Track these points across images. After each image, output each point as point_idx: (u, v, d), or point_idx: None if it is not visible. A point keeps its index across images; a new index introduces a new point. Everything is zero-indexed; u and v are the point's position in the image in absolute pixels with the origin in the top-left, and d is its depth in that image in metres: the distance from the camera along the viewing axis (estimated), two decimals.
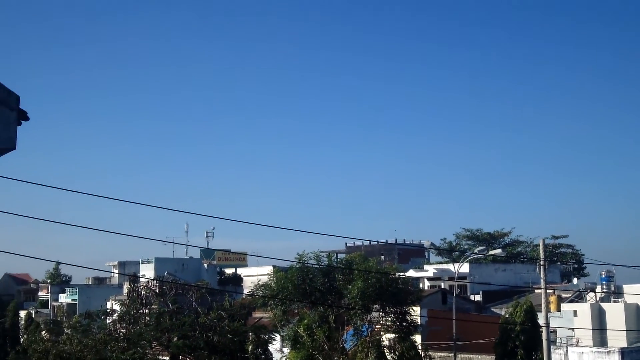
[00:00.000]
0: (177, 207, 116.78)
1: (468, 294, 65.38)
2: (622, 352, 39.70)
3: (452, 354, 41.14)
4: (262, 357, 46.02)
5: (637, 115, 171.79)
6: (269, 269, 57.62)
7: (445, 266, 73.05)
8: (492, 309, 57.62)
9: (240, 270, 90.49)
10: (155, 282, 67.40)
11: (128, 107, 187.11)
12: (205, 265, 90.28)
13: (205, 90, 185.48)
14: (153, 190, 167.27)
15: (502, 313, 43.24)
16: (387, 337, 42.20)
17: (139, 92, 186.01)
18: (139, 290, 64.59)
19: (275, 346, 47.85)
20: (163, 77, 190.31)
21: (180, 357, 47.70)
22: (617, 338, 44.11)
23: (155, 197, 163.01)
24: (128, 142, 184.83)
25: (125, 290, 75.81)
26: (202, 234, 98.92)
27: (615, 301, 49.61)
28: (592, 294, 52.62)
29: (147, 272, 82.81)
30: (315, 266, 42.95)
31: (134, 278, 72.35)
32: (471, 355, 43.91)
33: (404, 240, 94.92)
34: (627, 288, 50.17)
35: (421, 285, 67.09)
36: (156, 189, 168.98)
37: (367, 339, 40.94)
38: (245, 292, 68.89)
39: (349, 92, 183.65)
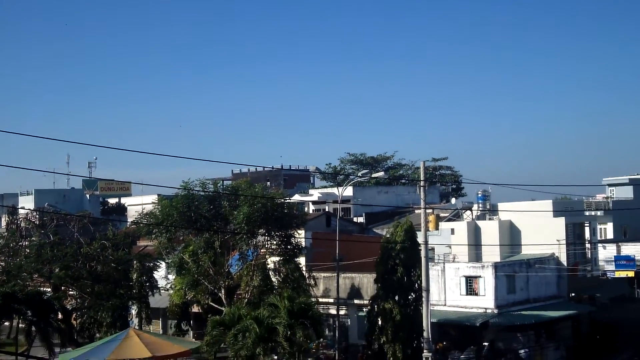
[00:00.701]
0: (59, 137, 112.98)
1: (351, 217, 66.85)
2: (495, 266, 41.73)
3: (336, 274, 42.16)
4: (147, 284, 46.02)
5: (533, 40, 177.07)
6: (153, 198, 56.87)
7: (329, 190, 74.30)
8: (375, 230, 59.23)
9: (124, 200, 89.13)
10: (35, 213, 65.78)
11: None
12: (88, 195, 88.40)
13: None
14: (34, 120, 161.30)
15: (384, 233, 44.43)
16: (272, 260, 42.82)
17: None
18: (18, 222, 62.80)
19: (160, 273, 47.84)
20: None
21: (63, 287, 47.10)
22: (492, 253, 46.31)
23: (37, 127, 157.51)
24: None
25: (3, 223, 73.56)
26: (85, 165, 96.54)
27: (490, 219, 51.78)
28: (469, 212, 54.79)
29: (26, 204, 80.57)
30: (201, 193, 42.81)
31: (13, 210, 70.27)
32: (353, 274, 45.18)
33: (290, 166, 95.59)
34: (501, 206, 52.42)
35: (306, 209, 68.11)
36: (37, 119, 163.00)
37: (253, 262, 41.48)
38: (129, 221, 68.06)
39: None
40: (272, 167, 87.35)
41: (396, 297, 36.96)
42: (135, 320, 46.80)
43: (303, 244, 45.51)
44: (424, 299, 35.99)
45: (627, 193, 77.73)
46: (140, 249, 51.86)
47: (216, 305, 42.15)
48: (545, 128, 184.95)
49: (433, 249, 45.75)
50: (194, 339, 46.61)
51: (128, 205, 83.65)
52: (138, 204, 72.01)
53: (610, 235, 70.62)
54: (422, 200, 36.75)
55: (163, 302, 48.69)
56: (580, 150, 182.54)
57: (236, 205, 41.41)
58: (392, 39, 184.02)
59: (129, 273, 46.07)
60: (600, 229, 70.08)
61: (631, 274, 55.15)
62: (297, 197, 69.22)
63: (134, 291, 45.80)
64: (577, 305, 46.93)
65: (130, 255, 47.28)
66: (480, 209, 54.48)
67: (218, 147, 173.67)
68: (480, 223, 50.37)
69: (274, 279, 42.15)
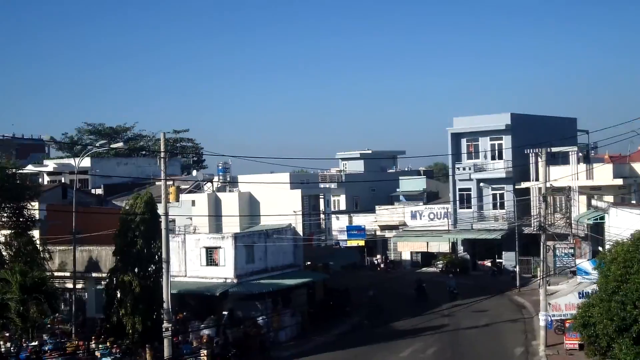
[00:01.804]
0: None
1: (89, 188, 64.71)
2: (235, 237, 42.44)
3: (72, 247, 40.71)
4: None
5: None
6: None
7: (66, 161, 71.37)
8: (114, 202, 57.76)
9: None
10: None
11: None
12: None
13: None
14: None
15: (123, 205, 43.48)
16: (2, 234, 40.46)
17: None
18: None
19: None
20: None
21: None
22: (232, 224, 47.01)
23: None
24: None
25: None
26: None
27: (230, 191, 52.52)
28: (209, 184, 55.17)
29: None
30: None
31: None
32: (91, 247, 43.91)
33: (23, 135, 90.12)
34: (241, 178, 53.40)
35: (41, 181, 65.02)
36: None
37: None
38: None
39: None
40: (3, 136, 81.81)
41: (136, 270, 36.38)
42: None
43: (37, 216, 43.43)
44: (164, 271, 35.75)
45: (358, 167, 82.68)
46: None
47: None
48: (283, 102, 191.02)
49: (174, 221, 45.56)
50: None
51: None
52: None
53: (343, 206, 74.74)
54: (162, 172, 36.32)
55: None
56: (316, 125, 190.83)
57: None
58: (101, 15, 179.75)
59: None
60: (334, 200, 73.87)
61: (362, 243, 58.83)
62: (30, 168, 65.73)
63: None
64: (312, 273, 49.14)
65: None
66: (221, 181, 55.08)
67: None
68: (220, 195, 50.91)
69: (5, 253, 39.83)
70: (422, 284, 51.95)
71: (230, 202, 49.36)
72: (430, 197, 71.28)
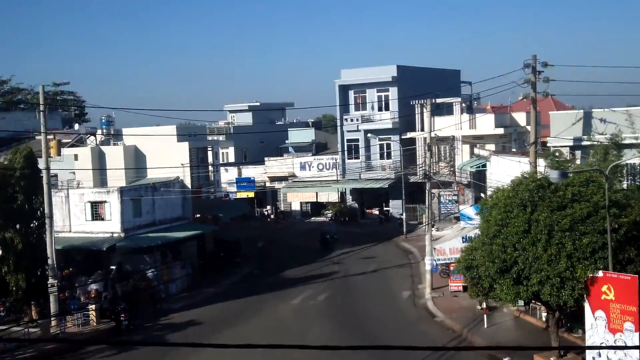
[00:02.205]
0: None
1: None
2: (121, 190, 41.59)
3: None
4: None
5: None
6: None
7: None
8: None
9: None
10: None
11: None
12: None
13: None
14: None
15: (1, 160, 41.76)
16: None
17: None
18: None
19: None
20: None
21: None
22: (117, 178, 46.04)
23: None
24: None
25: None
26: None
27: (115, 144, 51.31)
28: (92, 137, 53.65)
29: None
30: None
31: None
32: None
33: None
34: (126, 131, 52.15)
35: None
36: None
37: None
38: None
39: None
40: None
41: (17, 226, 35.13)
42: None
43: None
44: (47, 226, 34.84)
45: (246, 119, 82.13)
46: None
47: None
48: (168, 52, 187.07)
49: (56, 176, 44.23)
50: None
51: None
52: None
53: (232, 158, 74.37)
54: (42, 126, 35.31)
55: None
56: (204, 76, 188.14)
57: None
58: None
59: None
60: (223, 152, 73.39)
61: (251, 194, 58.82)
62: None
63: None
64: (201, 225, 48.86)
65: None
66: (105, 133, 53.69)
67: None
68: (104, 148, 49.68)
69: None
70: (327, 235, 52.26)
71: (115, 156, 48.24)
72: (319, 148, 71.76)
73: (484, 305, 30.14)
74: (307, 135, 74.24)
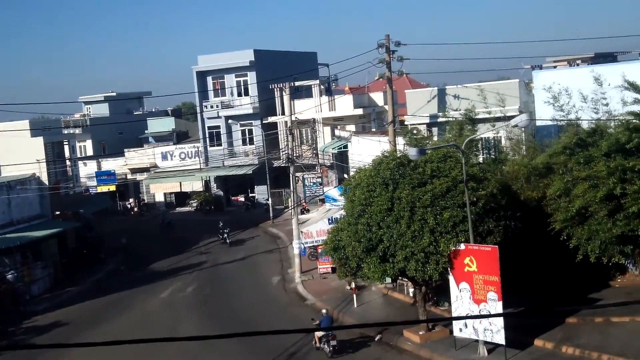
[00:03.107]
0: None
1: None
2: None
3: None
4: None
5: None
6: None
7: None
8: None
9: None
10: None
11: None
12: None
13: None
14: None
15: None
16: None
17: None
18: None
19: None
20: None
21: None
22: None
23: None
24: None
25: None
26: None
27: None
28: None
29: None
30: None
31: None
32: None
33: None
34: None
35: None
36: None
37: None
38: None
39: None
40: None
41: None
42: None
43: None
44: None
45: (103, 110, 79.84)
46: None
47: None
48: (16, 43, 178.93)
49: None
50: None
51: None
52: None
53: (90, 152, 72.15)
54: None
55: None
56: (56, 69, 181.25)
57: None
58: None
59: None
60: (80, 146, 71.10)
61: (112, 188, 57.21)
62: None
63: None
64: (62, 222, 47.12)
65: None
66: None
67: None
68: None
69: None
70: (168, 220, 51.82)
71: None
72: (180, 137, 70.71)
73: (353, 285, 30.57)
74: (167, 124, 72.95)
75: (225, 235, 47.32)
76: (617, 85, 27.05)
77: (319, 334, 25.33)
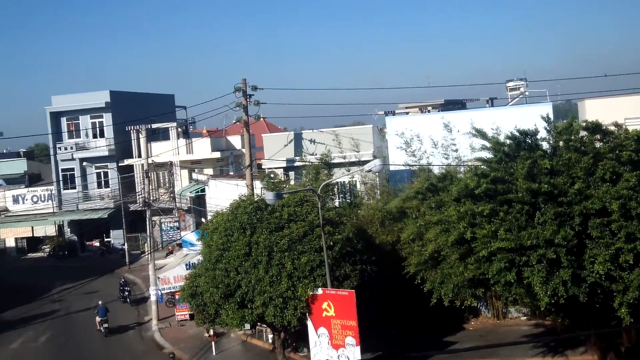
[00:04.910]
0: None
1: None
2: None
3: None
4: None
5: None
6: None
7: None
8: None
9: None
10: None
11: None
12: None
13: None
14: None
15: None
16: None
17: None
18: None
19: None
20: None
21: None
22: None
23: None
24: None
25: None
26: None
27: None
28: None
29: None
30: None
31: None
32: None
33: None
34: None
35: None
36: None
37: None
38: None
39: None
40: None
41: None
42: None
43: None
44: None
45: None
46: None
47: None
48: None
49: None
50: None
51: None
52: None
53: None
54: None
55: None
56: None
57: None
58: None
59: None
60: None
61: None
62: None
63: None
64: None
65: None
66: None
67: None
68: None
69: None
70: None
71: None
72: (32, 179, 68.03)
73: (211, 332, 30.18)
74: (18, 166, 70.06)
75: (127, 293, 42.90)
76: (466, 132, 28.24)
77: None
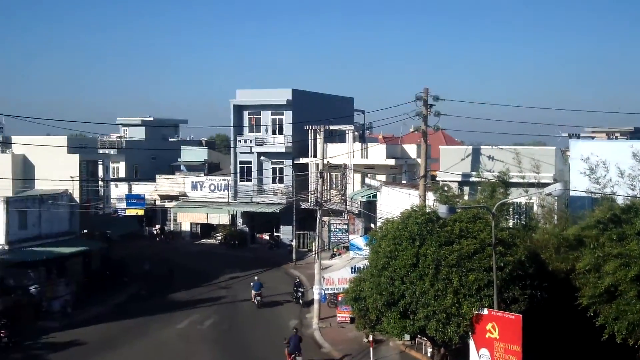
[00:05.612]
0: None
1: None
2: (7, 201, 40.10)
3: None
4: None
5: None
6: None
7: None
8: None
9: None
10: None
11: None
12: None
13: None
14: None
15: None
16: None
17: None
18: None
19: None
20: None
21: None
22: (3, 188, 44.25)
23: None
24: None
25: None
26: None
27: (3, 152, 49.46)
28: None
29: None
30: None
31: None
32: None
33: None
34: (15, 139, 50.23)
35: None
36: None
37: None
38: None
39: None
40: None
41: None
42: None
43: None
44: None
45: (139, 134, 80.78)
46: None
47: None
48: (60, 60, 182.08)
49: None
50: None
51: None
52: None
53: (122, 173, 72.87)
54: None
55: None
56: (95, 88, 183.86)
57: None
58: None
59: None
60: (114, 167, 71.86)
61: (141, 212, 57.64)
62: None
63: None
64: (88, 241, 47.51)
65: None
66: None
67: None
68: None
69: None
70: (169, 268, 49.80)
71: (2, 164, 46.45)
72: (211, 168, 71.21)
73: (371, 338, 30.19)
74: (200, 155, 73.60)
75: (300, 294, 42.36)
76: None
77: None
